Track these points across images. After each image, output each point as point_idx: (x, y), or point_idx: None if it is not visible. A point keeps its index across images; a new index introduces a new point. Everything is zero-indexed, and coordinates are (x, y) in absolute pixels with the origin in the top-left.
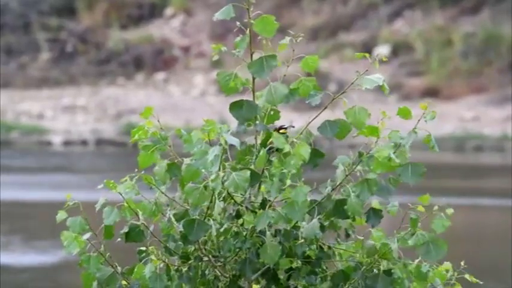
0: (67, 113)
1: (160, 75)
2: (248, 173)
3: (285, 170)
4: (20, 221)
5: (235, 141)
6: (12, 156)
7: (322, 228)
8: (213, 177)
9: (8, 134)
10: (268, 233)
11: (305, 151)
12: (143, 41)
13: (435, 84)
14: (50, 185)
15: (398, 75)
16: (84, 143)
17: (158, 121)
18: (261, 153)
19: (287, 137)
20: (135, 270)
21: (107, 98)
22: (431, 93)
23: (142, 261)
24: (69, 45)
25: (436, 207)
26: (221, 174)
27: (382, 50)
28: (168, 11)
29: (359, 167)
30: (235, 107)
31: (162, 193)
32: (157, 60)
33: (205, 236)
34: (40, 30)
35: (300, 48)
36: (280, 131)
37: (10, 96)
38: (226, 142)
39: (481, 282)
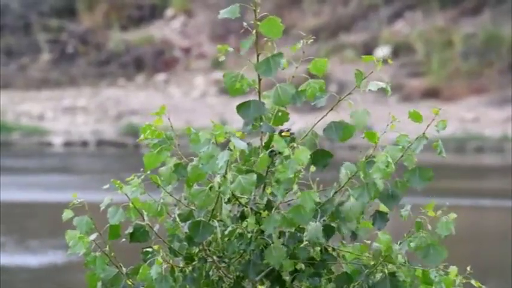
0: (67, 114)
1: (160, 76)
2: (254, 176)
3: (291, 175)
4: (20, 221)
5: (243, 145)
6: (13, 157)
7: (326, 231)
8: (220, 180)
9: (8, 135)
10: (274, 235)
11: (304, 156)
12: (144, 42)
13: (435, 85)
14: (50, 185)
15: (399, 76)
16: (84, 144)
17: (169, 119)
18: (261, 155)
19: (294, 139)
20: (140, 271)
21: (108, 99)
22: (432, 94)
23: (147, 262)
24: (70, 47)
25: (440, 212)
26: (229, 177)
27: (383, 51)
28: (169, 12)
29: (361, 172)
30: (242, 107)
31: (168, 193)
32: (157, 62)
33: (210, 237)
34: (40, 32)
35: (301, 49)
36: (283, 134)
37: (10, 97)
38: (235, 147)
39: (484, 287)
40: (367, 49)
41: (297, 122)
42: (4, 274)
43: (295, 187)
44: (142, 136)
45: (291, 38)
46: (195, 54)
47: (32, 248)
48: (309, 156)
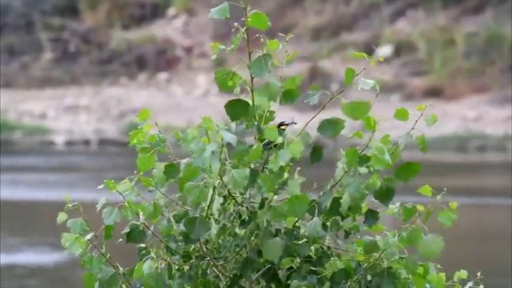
0: (69, 113)
1: (162, 75)
2: (247, 170)
3: (282, 163)
4: (22, 220)
5: (231, 138)
6: (15, 155)
7: (325, 226)
8: (211, 174)
9: (10, 133)
10: (267, 227)
11: (298, 148)
12: (146, 41)
13: (438, 84)
14: (52, 184)
15: (401, 75)
16: (86, 142)
17: (156, 124)
18: (255, 146)
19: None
20: (135, 268)
21: (110, 97)
22: (434, 92)
23: (143, 260)
24: (72, 45)
25: (438, 197)
26: (217, 169)
27: (384, 50)
28: (171, 11)
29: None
30: (229, 106)
31: (163, 194)
32: (159, 60)
33: (206, 235)
34: (42, 30)
35: (302, 48)
36: (281, 127)
37: (12, 96)
38: (222, 139)
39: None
40: (369, 48)
41: (297, 121)
42: (5, 273)
43: (286, 175)
44: (132, 141)
45: (293, 37)
46: (197, 53)
47: (33, 246)
48: (302, 148)
